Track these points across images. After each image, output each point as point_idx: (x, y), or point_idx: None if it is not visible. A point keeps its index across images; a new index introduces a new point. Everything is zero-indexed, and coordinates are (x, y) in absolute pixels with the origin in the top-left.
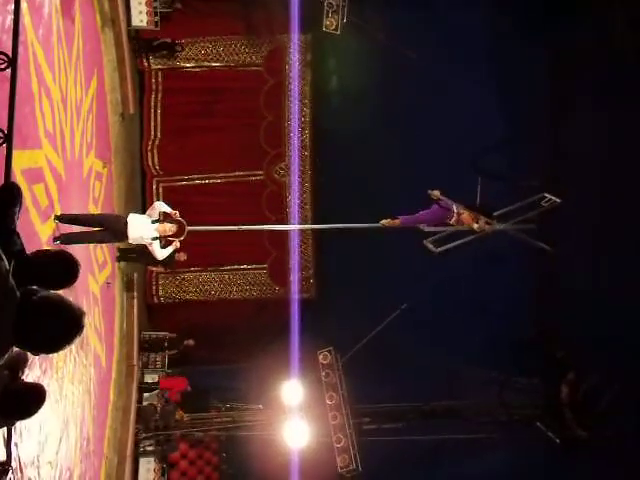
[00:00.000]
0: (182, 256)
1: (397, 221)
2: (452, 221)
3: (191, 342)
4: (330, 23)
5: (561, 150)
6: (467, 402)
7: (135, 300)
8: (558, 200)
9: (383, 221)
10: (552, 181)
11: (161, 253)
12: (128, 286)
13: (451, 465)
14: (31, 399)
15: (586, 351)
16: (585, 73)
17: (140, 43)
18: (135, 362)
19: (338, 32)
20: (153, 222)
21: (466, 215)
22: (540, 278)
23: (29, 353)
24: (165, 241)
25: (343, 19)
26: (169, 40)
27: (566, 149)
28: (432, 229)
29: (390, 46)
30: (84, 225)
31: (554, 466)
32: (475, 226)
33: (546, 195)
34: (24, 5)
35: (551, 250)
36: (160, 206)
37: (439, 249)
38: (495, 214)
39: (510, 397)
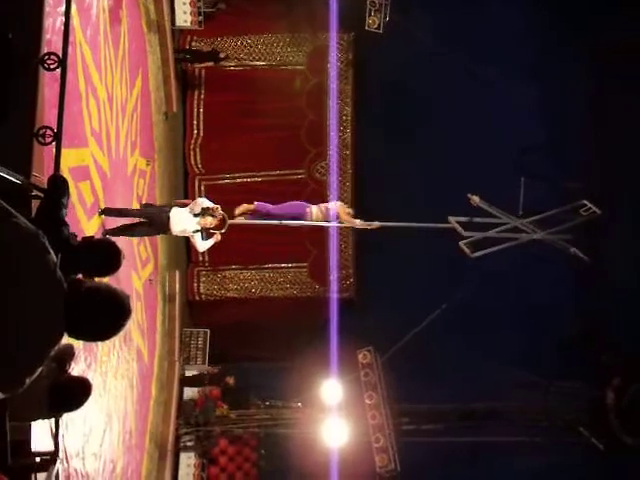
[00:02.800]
0: (217, 236)
1: (252, 206)
2: (311, 218)
3: (231, 380)
4: (373, 22)
5: (606, 151)
6: (508, 404)
7: (177, 300)
8: (598, 211)
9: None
10: (596, 183)
11: (202, 245)
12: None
13: (490, 468)
14: (78, 392)
15: (632, 355)
16: (632, 73)
17: (184, 57)
18: (177, 358)
19: (381, 31)
20: (195, 216)
21: (346, 217)
22: (585, 279)
23: (74, 346)
24: (207, 234)
25: (386, 18)
26: (211, 49)
27: (611, 150)
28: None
29: (433, 45)
30: (128, 217)
31: (597, 472)
32: (357, 222)
33: (586, 203)
34: (73, 7)
35: (588, 260)
36: (202, 202)
37: (474, 254)
38: (535, 218)
39: (553, 401)
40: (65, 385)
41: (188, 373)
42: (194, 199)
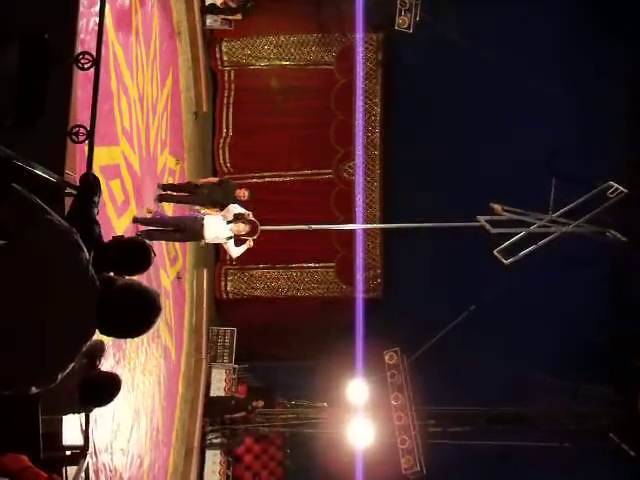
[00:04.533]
0: (250, 242)
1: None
2: None
3: (260, 403)
4: (403, 21)
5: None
6: (537, 409)
7: (204, 299)
8: (625, 190)
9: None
10: (629, 184)
11: (236, 251)
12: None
13: (517, 473)
14: (108, 387)
15: None
16: None
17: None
18: (204, 356)
19: (411, 31)
20: (228, 223)
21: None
22: (616, 282)
23: (105, 342)
24: (239, 240)
25: (416, 17)
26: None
27: None
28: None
29: (464, 45)
30: (160, 226)
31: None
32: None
33: (613, 184)
34: (107, 7)
35: (628, 241)
36: (234, 208)
37: (509, 260)
38: (564, 210)
39: (582, 405)
40: (96, 381)
41: (212, 392)
42: (218, 177)
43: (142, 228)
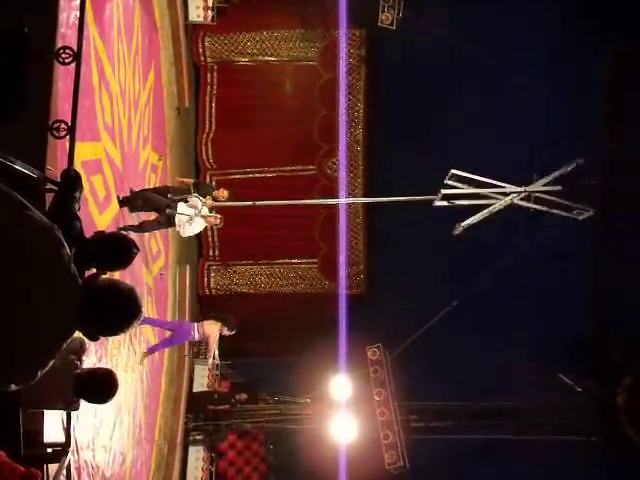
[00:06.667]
0: (218, 221)
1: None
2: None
3: (244, 396)
4: (386, 18)
5: (622, 149)
6: (518, 403)
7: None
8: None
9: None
10: (611, 179)
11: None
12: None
13: (499, 466)
14: (107, 385)
15: None
16: None
17: None
18: (186, 352)
19: (394, 27)
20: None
21: (212, 329)
22: (599, 276)
23: (87, 339)
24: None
25: (399, 14)
26: None
27: (627, 148)
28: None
29: (447, 41)
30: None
31: (607, 471)
32: (225, 331)
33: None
34: (87, 1)
35: (594, 214)
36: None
37: (463, 224)
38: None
39: (562, 399)
40: (93, 379)
41: (195, 389)
42: (200, 173)
43: (127, 221)
